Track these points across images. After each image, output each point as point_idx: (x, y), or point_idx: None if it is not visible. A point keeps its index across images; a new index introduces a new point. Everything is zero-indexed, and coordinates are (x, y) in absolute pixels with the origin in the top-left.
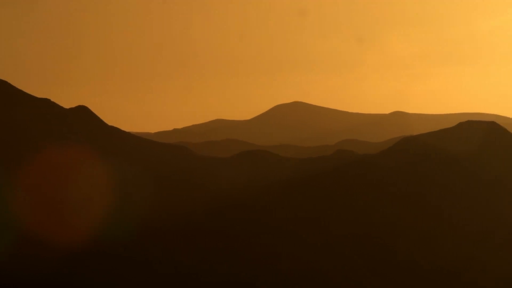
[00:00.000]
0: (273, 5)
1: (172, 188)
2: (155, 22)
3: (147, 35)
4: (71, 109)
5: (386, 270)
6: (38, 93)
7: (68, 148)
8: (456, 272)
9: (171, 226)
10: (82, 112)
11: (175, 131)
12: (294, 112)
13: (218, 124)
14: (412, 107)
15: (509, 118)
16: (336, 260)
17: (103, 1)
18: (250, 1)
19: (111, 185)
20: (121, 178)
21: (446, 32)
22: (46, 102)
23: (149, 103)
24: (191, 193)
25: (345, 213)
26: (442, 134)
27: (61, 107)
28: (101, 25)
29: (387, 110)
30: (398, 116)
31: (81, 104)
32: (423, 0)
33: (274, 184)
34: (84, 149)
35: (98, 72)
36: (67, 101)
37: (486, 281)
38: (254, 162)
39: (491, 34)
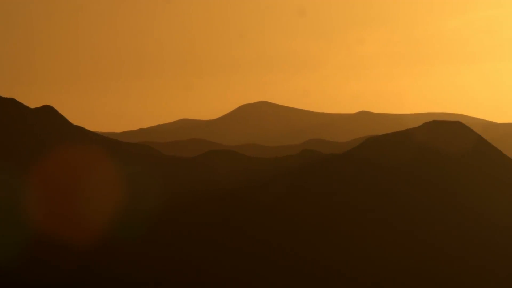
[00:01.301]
0: (241, 5)
1: (136, 187)
2: (121, 22)
3: (113, 35)
4: (36, 108)
5: (340, 271)
6: (3, 93)
7: (34, 148)
8: (420, 274)
9: (132, 225)
10: (47, 112)
11: (141, 130)
12: (260, 112)
13: (184, 124)
14: (378, 106)
15: (474, 117)
16: (306, 253)
17: (67, 1)
18: (219, 1)
19: (78, 183)
20: (88, 177)
21: (411, 32)
22: (12, 102)
23: (114, 102)
24: (156, 192)
25: (310, 211)
26: (408, 133)
27: (26, 107)
28: (67, 25)
29: (352, 110)
30: (364, 116)
31: (46, 103)
32: (388, 0)
33: (239, 183)
34: (50, 149)
35: (64, 71)
36: (32, 101)
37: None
38: (219, 162)
39: (455, 33)
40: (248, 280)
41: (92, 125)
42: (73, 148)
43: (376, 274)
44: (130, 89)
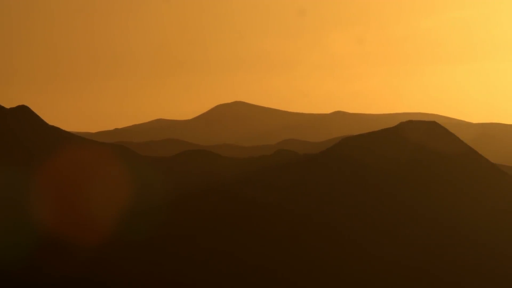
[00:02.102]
0: (217, 5)
1: (112, 187)
2: (96, 21)
3: (88, 35)
4: (11, 109)
5: (310, 272)
6: None
7: (10, 148)
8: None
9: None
10: (23, 112)
11: (116, 130)
12: (235, 112)
13: (159, 124)
14: (353, 106)
15: (449, 117)
16: (278, 254)
17: (39, 0)
18: (194, 1)
19: (53, 184)
20: (64, 177)
21: (385, 31)
22: None
23: (90, 102)
24: (132, 193)
25: (285, 211)
26: (383, 134)
27: (2, 107)
28: (40, 23)
29: (327, 110)
30: (339, 116)
31: (21, 103)
32: (362, 0)
33: (215, 183)
34: (25, 149)
35: (39, 71)
36: (7, 101)
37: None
38: (195, 162)
39: (430, 33)
40: (219, 280)
41: (68, 125)
42: (52, 148)
43: (349, 272)
44: (105, 88)
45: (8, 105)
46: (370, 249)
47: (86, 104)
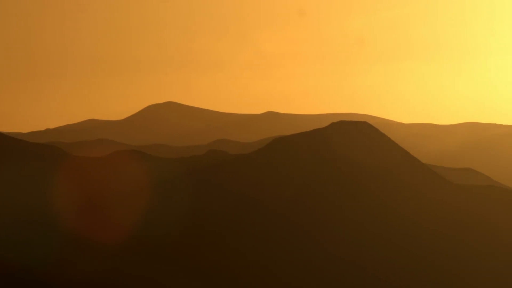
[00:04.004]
0: (150, 5)
1: (43, 187)
2: (30, 21)
3: (20, 32)
4: None
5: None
6: None
7: None
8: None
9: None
10: None
11: (48, 131)
12: (167, 112)
13: (91, 124)
14: (285, 107)
15: (380, 118)
16: (211, 253)
17: None
18: (127, 1)
19: None
20: None
21: (318, 31)
22: None
23: (21, 102)
24: (62, 192)
25: (217, 211)
26: (315, 134)
27: None
28: None
29: (259, 110)
30: (271, 116)
31: None
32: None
33: (145, 183)
34: None
35: None
36: None
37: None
38: (126, 162)
39: (361, 33)
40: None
41: None
42: None
43: (279, 272)
44: (37, 88)
45: None
46: (300, 247)
47: (17, 104)
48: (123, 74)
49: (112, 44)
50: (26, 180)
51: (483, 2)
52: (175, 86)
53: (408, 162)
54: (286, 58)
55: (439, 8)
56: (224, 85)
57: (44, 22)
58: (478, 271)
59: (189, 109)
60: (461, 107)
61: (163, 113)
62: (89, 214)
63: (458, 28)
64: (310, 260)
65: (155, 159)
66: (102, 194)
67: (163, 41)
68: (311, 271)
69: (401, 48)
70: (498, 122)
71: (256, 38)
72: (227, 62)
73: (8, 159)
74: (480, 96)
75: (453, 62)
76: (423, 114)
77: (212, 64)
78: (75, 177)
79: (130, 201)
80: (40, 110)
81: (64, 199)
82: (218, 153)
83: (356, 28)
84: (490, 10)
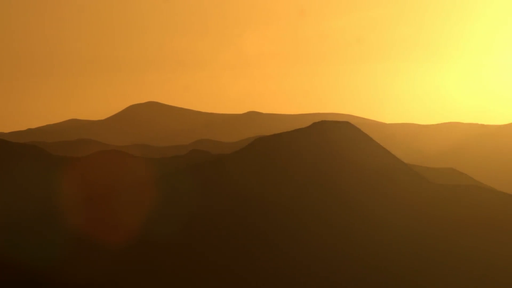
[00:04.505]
0: (130, 5)
1: (25, 187)
2: (5, 18)
3: (2, 33)
4: None
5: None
6: None
7: None
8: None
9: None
10: None
11: (29, 131)
12: (149, 112)
13: (73, 124)
14: (267, 107)
15: (362, 118)
16: (193, 251)
17: None
18: (104, 0)
19: None
20: None
21: (299, 31)
22: None
23: (2, 102)
24: (45, 192)
25: (199, 211)
26: (297, 134)
27: None
28: None
29: (241, 110)
30: (252, 116)
31: None
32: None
33: (127, 183)
34: None
35: None
36: None
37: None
38: (107, 162)
39: (341, 33)
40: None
41: None
42: None
43: (259, 271)
44: (18, 88)
45: None
46: (281, 246)
47: None
48: (105, 74)
49: (94, 44)
50: (8, 180)
51: (462, 3)
52: (157, 86)
53: (390, 162)
54: (268, 58)
55: (422, 9)
56: (206, 85)
57: (24, 21)
58: (460, 270)
59: (171, 109)
60: (443, 107)
61: (145, 113)
62: (72, 214)
63: (440, 28)
64: (293, 260)
65: (137, 159)
66: (84, 193)
67: (144, 41)
68: (293, 272)
69: (383, 48)
70: (480, 122)
71: (238, 38)
72: (209, 62)
73: None
74: (462, 96)
75: (436, 62)
76: (406, 114)
77: (194, 64)
78: (57, 177)
79: (112, 200)
80: (22, 110)
81: (46, 199)
82: (200, 153)
83: (338, 28)
84: (472, 10)
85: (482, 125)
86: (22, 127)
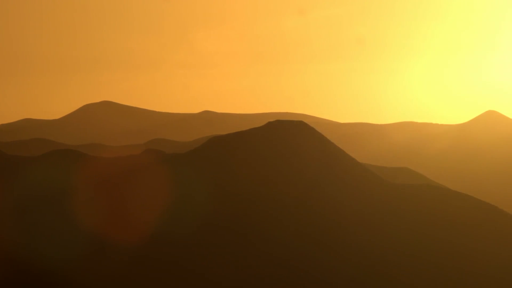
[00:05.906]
0: (87, 4)
1: None
2: None
3: None
4: None
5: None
6: None
7: None
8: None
9: None
10: None
11: None
12: (103, 112)
13: (27, 123)
14: (221, 106)
15: (317, 117)
16: (148, 251)
17: None
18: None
19: None
20: None
21: (254, 31)
22: None
23: None
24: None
25: (154, 211)
26: (251, 133)
27: None
28: None
29: (195, 110)
30: (207, 116)
31: None
32: None
33: (82, 183)
34: None
35: None
36: None
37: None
38: (62, 161)
39: (297, 33)
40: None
41: None
42: None
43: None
44: None
45: None
46: (236, 250)
47: None
48: (58, 73)
49: (47, 43)
50: None
51: (416, 2)
52: (111, 85)
53: (345, 161)
54: (222, 57)
55: (371, 9)
56: (159, 84)
57: None
58: (414, 269)
59: (125, 109)
60: (396, 107)
61: (99, 113)
62: (30, 215)
63: (391, 27)
64: (242, 261)
65: (91, 159)
66: (38, 194)
67: (98, 40)
68: (243, 270)
69: (336, 48)
70: (433, 121)
71: (191, 37)
72: (163, 61)
73: None
74: (415, 96)
75: (388, 61)
76: (359, 114)
77: (148, 63)
78: (11, 177)
79: (68, 200)
80: None
81: (0, 199)
82: (155, 152)
83: (291, 27)
84: (429, 9)
85: (437, 125)
86: None
